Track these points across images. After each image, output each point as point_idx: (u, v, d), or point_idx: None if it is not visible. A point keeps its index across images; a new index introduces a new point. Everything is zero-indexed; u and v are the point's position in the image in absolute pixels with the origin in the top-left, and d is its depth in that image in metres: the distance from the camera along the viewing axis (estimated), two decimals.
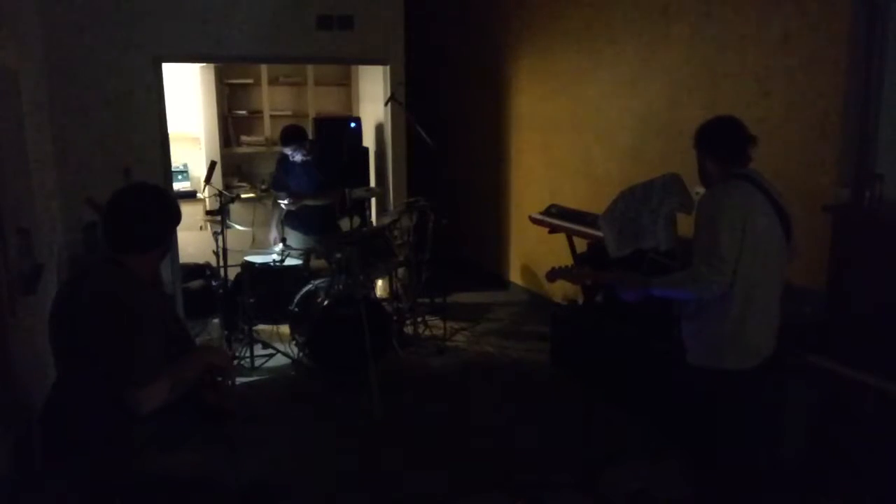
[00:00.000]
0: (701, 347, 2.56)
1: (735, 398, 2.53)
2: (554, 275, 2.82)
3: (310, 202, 5.25)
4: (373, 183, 6.67)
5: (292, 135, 5.29)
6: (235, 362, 4.77)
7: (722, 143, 2.57)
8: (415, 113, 5.55)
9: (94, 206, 4.40)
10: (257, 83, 7.26)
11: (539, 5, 5.86)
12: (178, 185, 6.71)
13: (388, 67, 6.05)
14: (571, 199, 5.32)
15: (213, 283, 5.64)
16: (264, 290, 4.99)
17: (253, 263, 5.07)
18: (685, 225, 3.59)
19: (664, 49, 4.56)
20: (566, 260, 4.81)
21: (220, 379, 2.44)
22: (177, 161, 6.72)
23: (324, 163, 5.38)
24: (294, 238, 5.38)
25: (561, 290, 5.37)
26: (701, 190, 2.66)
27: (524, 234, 6.24)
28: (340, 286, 4.65)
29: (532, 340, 5.32)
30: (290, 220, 5.40)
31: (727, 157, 2.55)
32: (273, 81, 7.33)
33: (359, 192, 5.09)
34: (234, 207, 5.68)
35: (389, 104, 5.79)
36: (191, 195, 6.87)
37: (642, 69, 4.76)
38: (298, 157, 5.33)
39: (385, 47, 5.97)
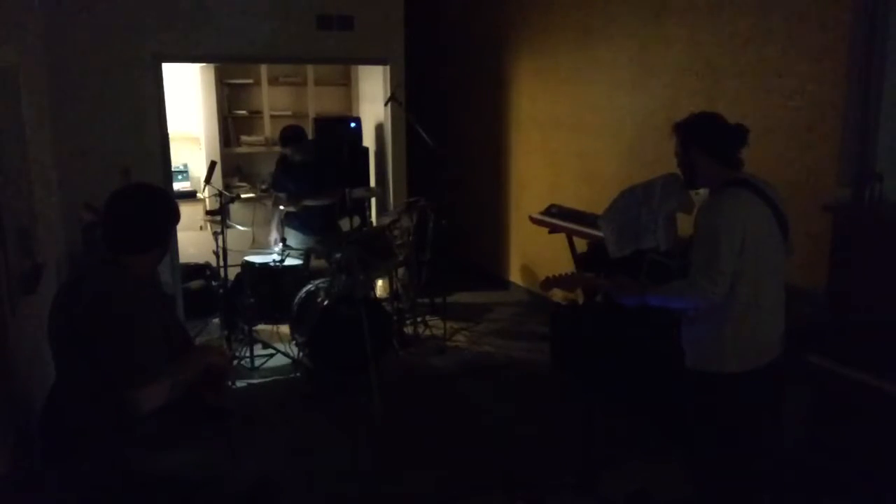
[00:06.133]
0: (700, 351, 2.55)
1: (734, 400, 2.53)
2: (548, 284, 2.80)
3: (309, 202, 5.25)
4: (373, 183, 6.67)
5: (292, 135, 5.30)
6: (235, 362, 4.77)
7: (715, 136, 2.51)
8: (415, 113, 5.55)
9: (92, 210, 4.41)
10: (257, 83, 7.26)
11: (539, 5, 5.86)
12: (178, 185, 6.71)
13: (388, 67, 6.06)
14: (571, 199, 5.32)
15: (213, 283, 5.64)
16: (264, 290, 4.99)
17: (253, 263, 5.07)
18: (685, 225, 3.58)
19: (664, 49, 4.56)
20: (566, 260, 4.81)
21: (219, 379, 2.44)
22: (177, 161, 6.72)
23: (323, 163, 5.38)
24: (294, 238, 5.38)
25: (561, 291, 5.36)
26: (702, 191, 2.65)
27: (524, 234, 6.24)
28: (340, 286, 4.65)
29: (532, 340, 5.32)
30: (290, 220, 5.40)
31: (721, 153, 2.51)
32: (273, 81, 7.33)
33: (359, 192, 5.09)
34: (234, 207, 5.68)
35: (389, 104, 5.79)
36: (191, 195, 6.87)
37: (642, 69, 4.76)
38: (298, 158, 5.33)
39: (385, 47, 5.97)
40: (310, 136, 6.09)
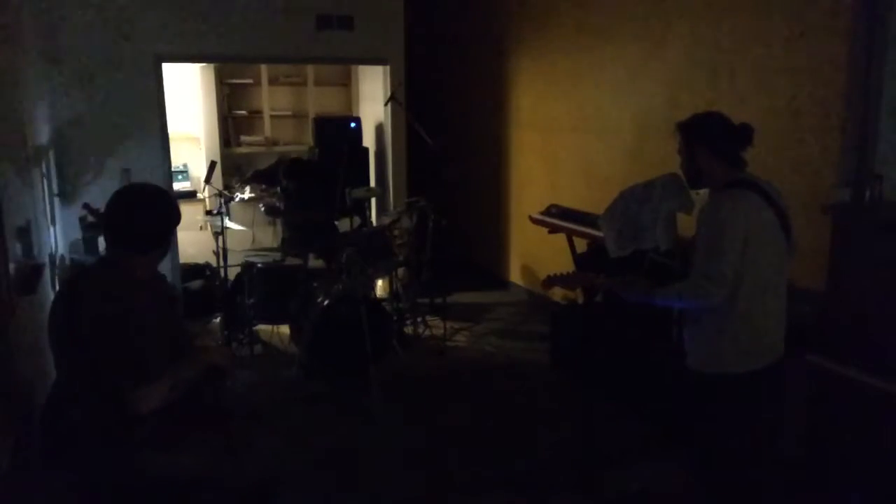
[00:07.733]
0: (702, 352, 2.55)
1: (735, 401, 2.53)
2: (551, 282, 2.80)
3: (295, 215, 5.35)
4: (373, 183, 6.68)
5: (295, 171, 5.33)
6: (235, 362, 4.77)
7: (720, 136, 2.51)
8: (415, 113, 5.55)
9: (91, 211, 4.41)
10: (257, 83, 7.27)
11: (539, 5, 5.86)
12: (178, 185, 6.72)
13: (388, 67, 6.06)
14: (571, 199, 5.32)
15: (214, 283, 5.64)
16: (264, 290, 4.99)
17: (253, 263, 5.07)
18: (685, 225, 3.59)
19: (664, 49, 4.56)
20: (566, 260, 4.82)
21: (219, 379, 2.44)
22: (177, 161, 6.73)
23: (317, 196, 5.40)
24: (294, 238, 5.38)
25: (561, 290, 5.37)
26: (703, 191, 2.64)
27: (524, 234, 6.24)
28: (340, 286, 4.65)
29: (532, 340, 5.32)
30: (290, 220, 5.41)
31: (725, 152, 2.51)
32: (273, 81, 7.34)
33: (359, 192, 5.09)
34: (234, 207, 5.69)
35: (389, 104, 5.79)
36: (191, 195, 6.88)
37: (642, 69, 4.76)
38: (293, 188, 5.36)
39: (385, 47, 5.98)
40: (310, 136, 6.10)
